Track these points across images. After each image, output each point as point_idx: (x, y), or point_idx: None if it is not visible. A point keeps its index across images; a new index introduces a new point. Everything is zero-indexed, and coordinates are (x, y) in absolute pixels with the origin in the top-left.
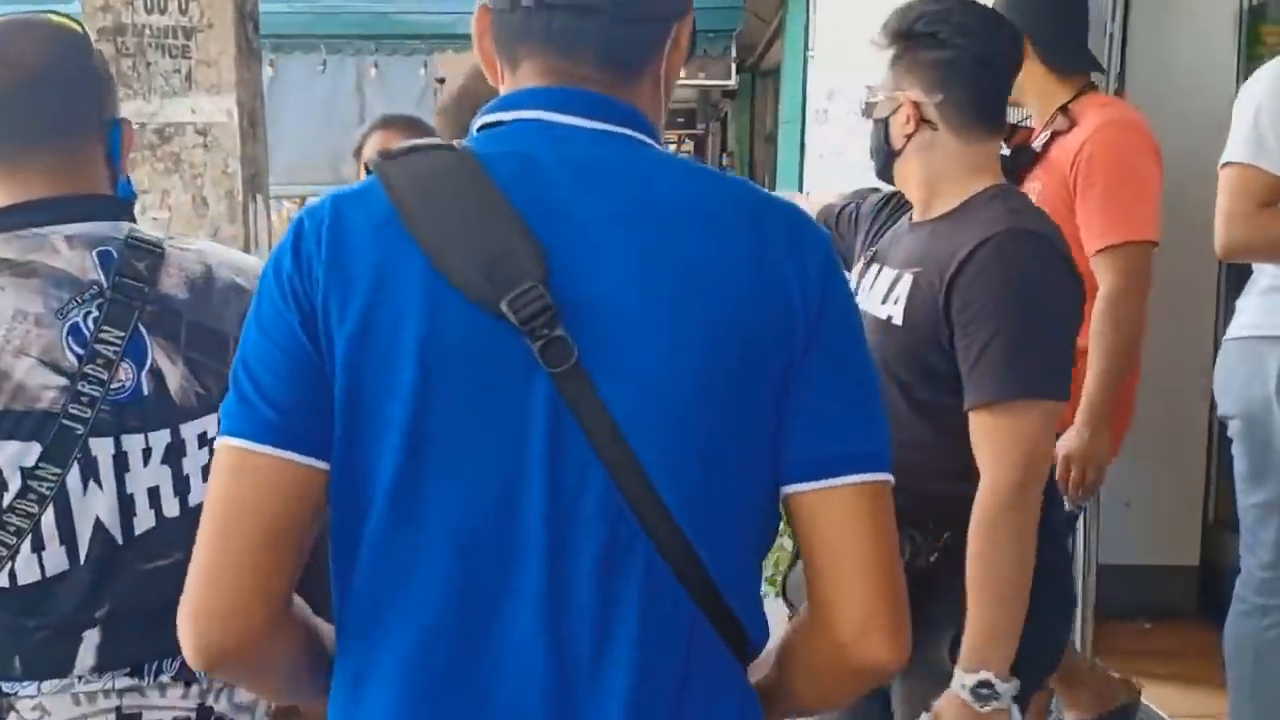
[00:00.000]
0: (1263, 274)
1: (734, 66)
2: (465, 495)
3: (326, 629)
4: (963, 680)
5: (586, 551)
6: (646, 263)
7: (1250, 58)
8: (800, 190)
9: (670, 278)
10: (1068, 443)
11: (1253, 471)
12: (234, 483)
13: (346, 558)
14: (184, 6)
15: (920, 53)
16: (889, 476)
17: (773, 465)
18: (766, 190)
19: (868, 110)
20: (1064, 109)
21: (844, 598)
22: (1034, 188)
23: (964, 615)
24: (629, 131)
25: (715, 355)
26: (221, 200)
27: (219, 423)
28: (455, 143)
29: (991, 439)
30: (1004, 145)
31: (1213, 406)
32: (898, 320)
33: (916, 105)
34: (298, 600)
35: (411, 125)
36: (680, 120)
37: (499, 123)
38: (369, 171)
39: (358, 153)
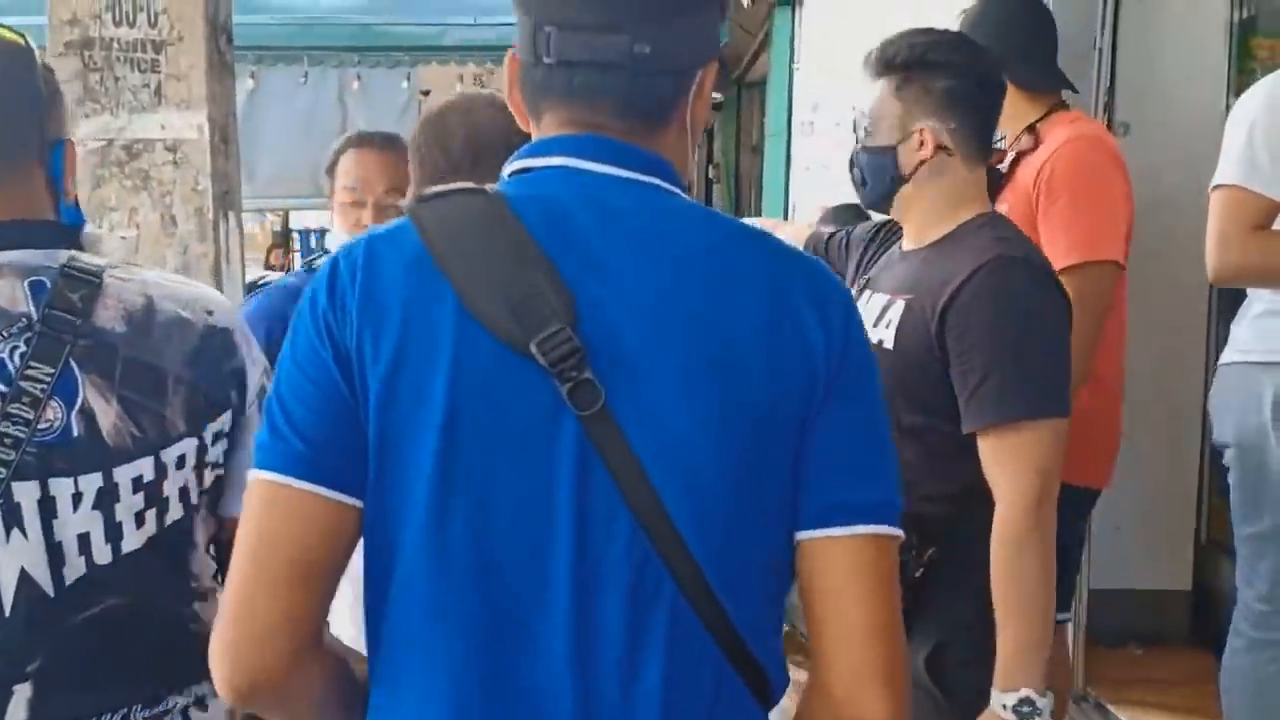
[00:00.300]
0: (1257, 299)
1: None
2: (492, 536)
3: (359, 660)
4: (1003, 701)
5: (613, 595)
6: (672, 310)
7: (1241, 71)
8: (786, 204)
9: (695, 326)
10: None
11: (1249, 501)
12: (266, 516)
13: (378, 597)
14: (154, 19)
15: (932, 81)
16: (898, 531)
17: (791, 511)
18: (788, 245)
19: (868, 137)
20: (1031, 128)
21: (841, 651)
22: (1001, 209)
23: (946, 628)
24: (655, 180)
25: (738, 402)
26: (191, 218)
27: (255, 456)
28: (487, 187)
29: (1004, 461)
30: None
31: (1205, 428)
32: (889, 344)
33: (934, 132)
34: (329, 632)
35: (388, 144)
36: None
37: (529, 169)
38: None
39: (331, 170)
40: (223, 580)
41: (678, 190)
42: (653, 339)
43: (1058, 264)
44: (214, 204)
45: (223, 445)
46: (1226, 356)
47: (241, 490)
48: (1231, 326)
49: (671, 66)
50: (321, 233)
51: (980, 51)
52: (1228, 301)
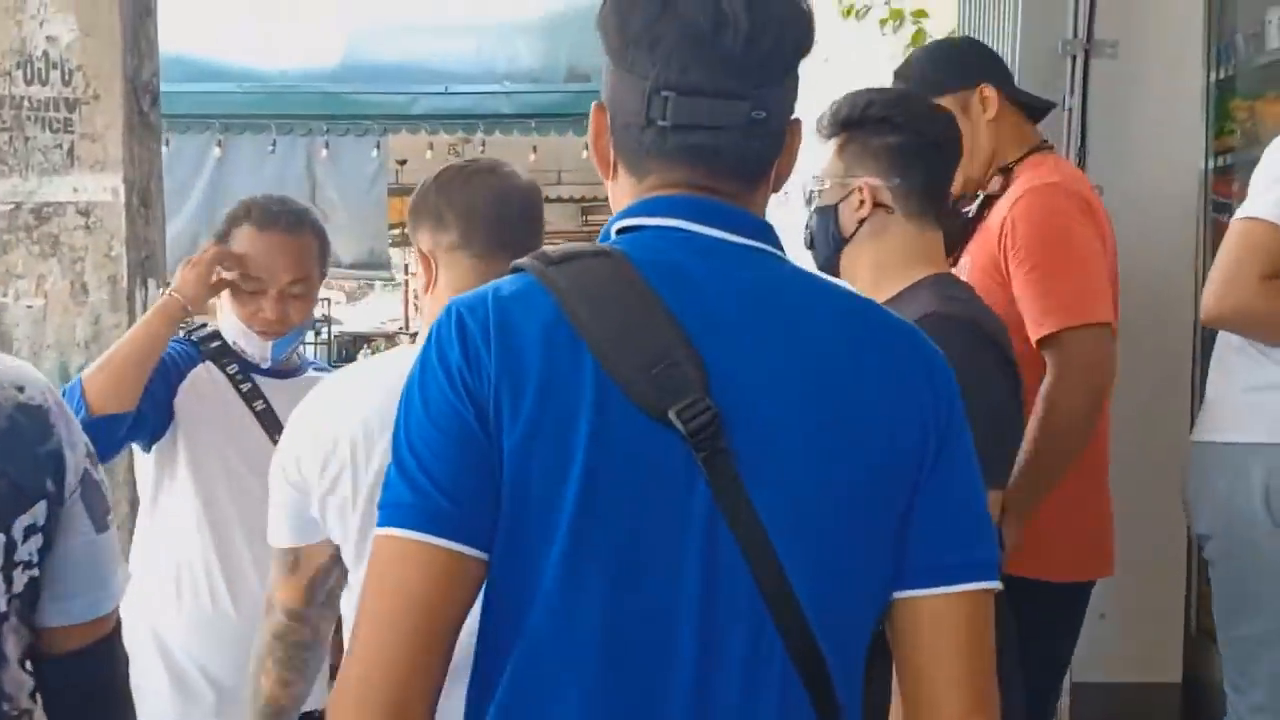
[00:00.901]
0: (1235, 372)
1: None
2: (622, 601)
3: None
4: None
5: (733, 661)
6: (795, 378)
7: (1220, 133)
8: None
9: (817, 393)
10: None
11: (1239, 599)
12: (409, 577)
13: (498, 653)
14: (67, 77)
15: (873, 138)
16: (997, 584)
17: (892, 576)
18: (893, 313)
19: (811, 199)
20: (1005, 169)
21: (940, 702)
22: (964, 263)
23: None
24: (764, 246)
25: (860, 469)
26: (104, 286)
27: (384, 514)
28: (608, 247)
29: None
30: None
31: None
32: None
33: (872, 189)
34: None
35: (296, 225)
36: None
37: (639, 227)
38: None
39: (222, 240)
40: (39, 700)
41: (781, 253)
42: (778, 406)
43: (1035, 334)
44: (130, 271)
45: (36, 541)
46: (1202, 434)
47: (66, 597)
48: (1204, 403)
49: (777, 128)
50: None
51: (929, 108)
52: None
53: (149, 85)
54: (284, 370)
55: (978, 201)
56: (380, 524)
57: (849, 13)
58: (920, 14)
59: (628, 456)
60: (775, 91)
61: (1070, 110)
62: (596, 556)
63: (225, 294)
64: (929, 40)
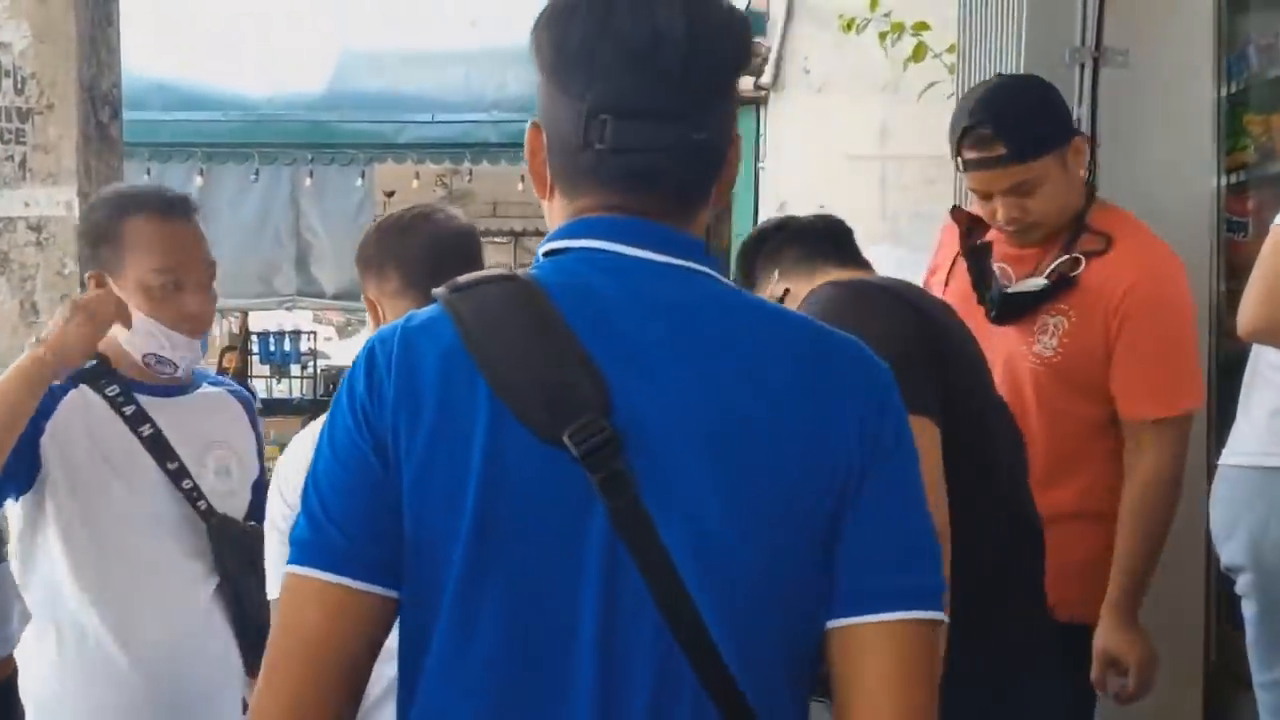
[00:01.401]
0: (1267, 388)
1: None
2: (520, 626)
3: None
4: None
5: (637, 688)
6: (706, 401)
7: (1233, 149)
8: None
9: (728, 416)
10: (1109, 646)
11: (1275, 638)
12: (307, 615)
13: (410, 679)
14: (20, 85)
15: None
16: (939, 615)
17: (821, 602)
18: (832, 328)
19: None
20: (1083, 224)
21: None
22: (1056, 322)
23: None
24: (691, 264)
25: (768, 493)
26: (55, 305)
27: (292, 552)
28: (520, 272)
29: None
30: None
31: (1209, 540)
32: None
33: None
34: None
35: (192, 209)
36: None
37: (565, 249)
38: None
39: (103, 240)
40: None
41: (713, 272)
42: (686, 430)
43: (1146, 412)
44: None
45: None
46: (1234, 458)
47: None
48: (1236, 424)
49: (718, 147)
50: (282, 335)
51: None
52: (1228, 399)
53: (109, 96)
54: (173, 386)
55: (1062, 259)
56: (287, 561)
57: (849, 27)
58: (921, 26)
59: (523, 481)
60: (714, 110)
61: (1078, 122)
62: (492, 585)
63: (140, 299)
64: (930, 55)
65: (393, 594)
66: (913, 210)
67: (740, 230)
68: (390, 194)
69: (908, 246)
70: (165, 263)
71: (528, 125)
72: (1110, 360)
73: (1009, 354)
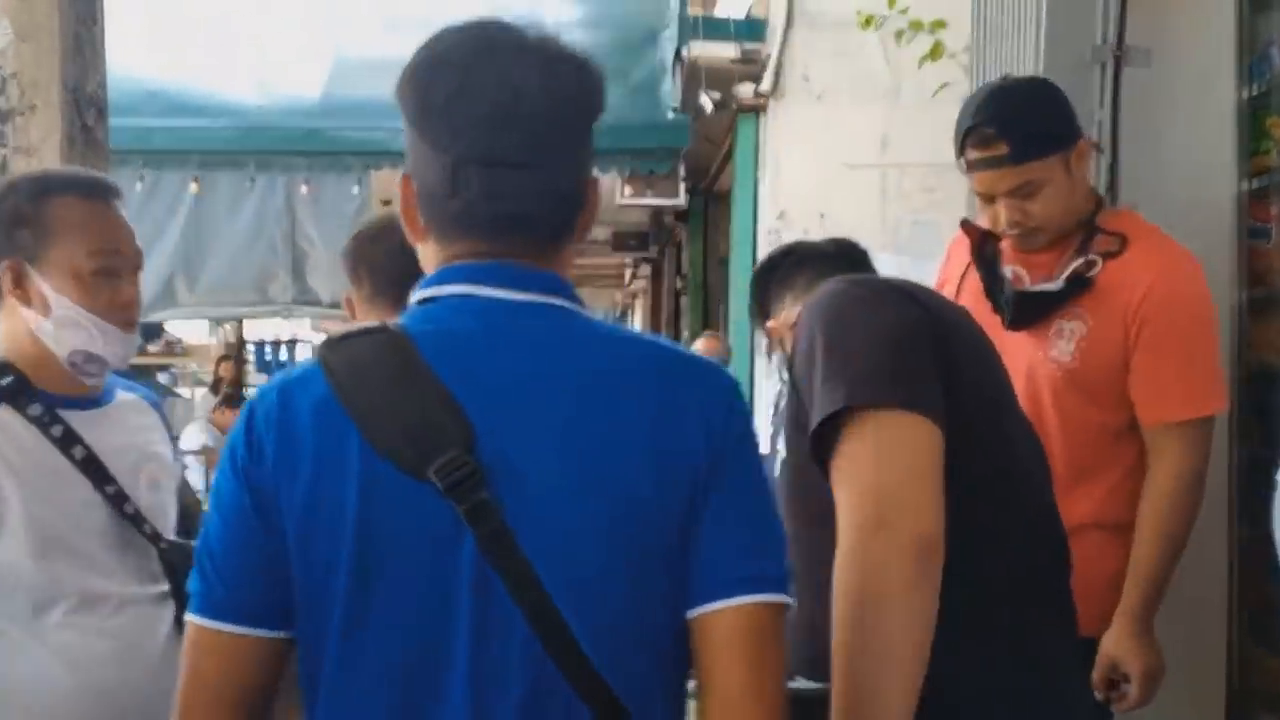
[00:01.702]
0: None
1: (683, 185)
2: (400, 650)
3: None
4: None
5: (510, 700)
6: (563, 429)
7: (1256, 152)
8: None
9: (584, 442)
10: (1115, 653)
11: None
12: (198, 657)
13: (310, 710)
14: (0, 86)
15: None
16: (786, 598)
17: (681, 597)
18: (681, 349)
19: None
20: (1094, 226)
21: (732, 712)
22: (1073, 327)
23: None
24: (553, 300)
25: (624, 509)
26: None
27: (188, 602)
28: (389, 324)
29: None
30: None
31: (1231, 558)
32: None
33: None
34: None
35: (115, 192)
36: (632, 243)
37: (435, 298)
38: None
39: (19, 226)
40: None
41: (573, 305)
42: (548, 457)
43: (1172, 415)
44: None
45: None
46: None
47: None
48: None
49: (577, 191)
50: (277, 344)
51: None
52: (1250, 409)
53: (94, 97)
54: (93, 396)
55: (1076, 262)
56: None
57: (867, 23)
58: (938, 24)
59: (396, 519)
60: (572, 157)
61: (1100, 123)
62: (374, 619)
63: (71, 286)
64: (947, 54)
65: (280, 635)
66: (913, 219)
67: (739, 240)
68: (387, 202)
69: (909, 255)
70: (100, 245)
71: (401, 178)
72: (1129, 365)
73: (1028, 362)
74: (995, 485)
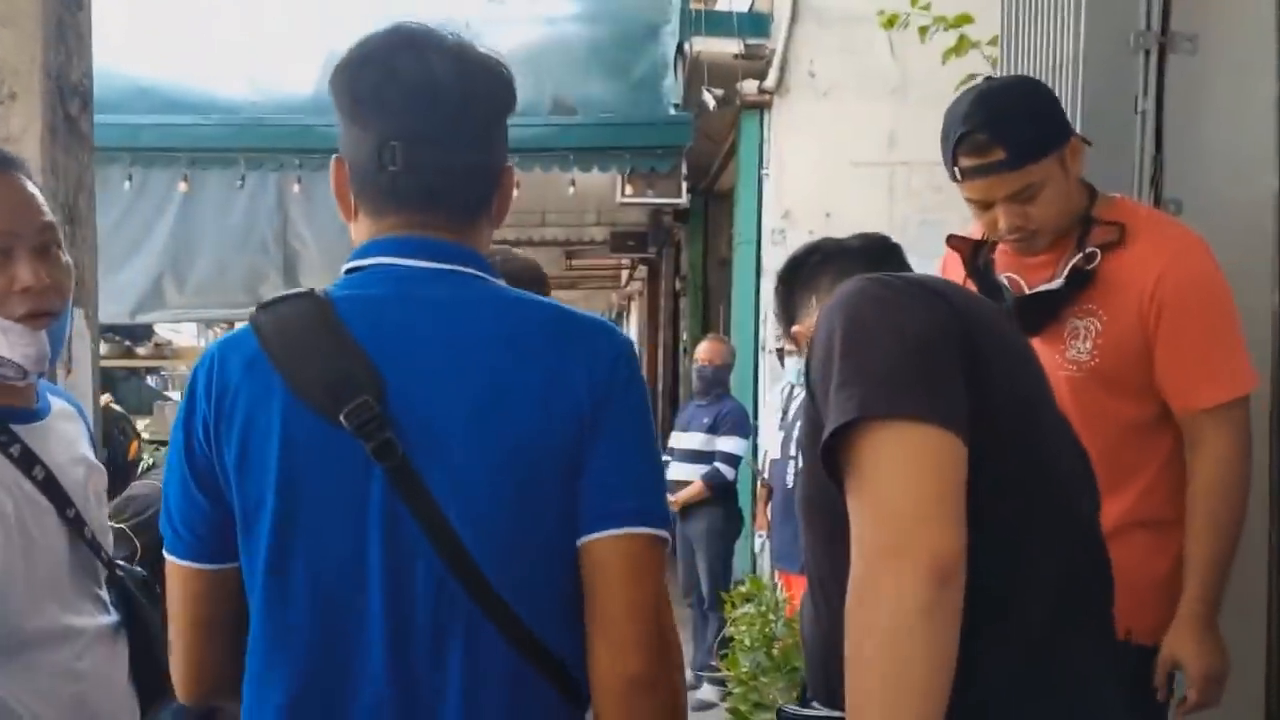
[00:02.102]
0: None
1: (684, 184)
2: (322, 573)
3: None
4: None
5: (420, 614)
6: (464, 380)
7: None
8: (757, 315)
9: (482, 391)
10: (1177, 653)
11: None
12: (174, 589)
13: (252, 630)
14: None
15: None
16: (662, 533)
17: (570, 526)
18: (578, 311)
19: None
20: (1089, 219)
21: (611, 629)
22: (1087, 325)
23: None
24: (465, 268)
25: (511, 443)
26: None
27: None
28: (314, 289)
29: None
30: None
31: (1272, 562)
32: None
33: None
34: None
35: (18, 165)
36: (630, 243)
37: (360, 268)
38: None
39: None
40: None
41: (483, 274)
42: (450, 405)
43: (1203, 401)
44: None
45: None
46: None
47: None
48: None
49: (492, 172)
50: None
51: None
52: None
53: (79, 87)
54: (30, 408)
55: (1075, 258)
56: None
57: (890, 23)
58: (963, 19)
59: (315, 459)
60: (485, 140)
61: (1144, 114)
62: (296, 549)
63: None
64: (972, 47)
65: (225, 566)
66: (921, 217)
67: (744, 239)
68: None
69: (916, 254)
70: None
71: (332, 160)
72: (1152, 355)
73: (1045, 368)
74: (1025, 485)
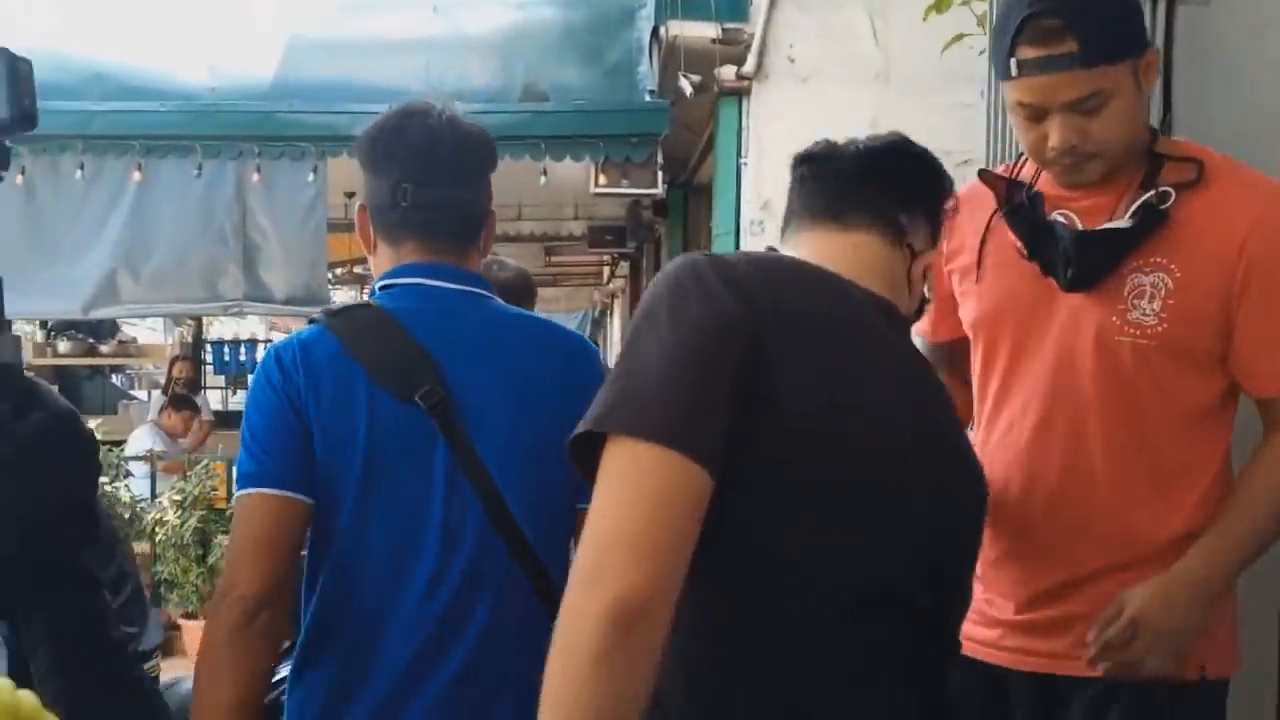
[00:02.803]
0: None
1: (660, 174)
2: (394, 518)
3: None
4: None
5: (464, 555)
6: (500, 372)
7: None
8: None
9: (514, 379)
10: (1141, 603)
11: None
12: (251, 517)
13: (316, 564)
14: None
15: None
16: None
17: (577, 493)
18: (561, 326)
19: None
20: (1158, 154)
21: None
22: (1154, 280)
23: None
24: (475, 289)
25: (539, 427)
26: None
27: (238, 482)
28: (369, 300)
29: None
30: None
31: None
32: None
33: None
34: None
35: None
36: (609, 238)
37: (393, 285)
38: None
39: None
40: None
41: (489, 294)
42: (490, 391)
43: None
44: None
45: None
46: None
47: None
48: None
49: (481, 213)
50: (237, 344)
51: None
52: None
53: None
54: None
55: (1146, 195)
56: (237, 489)
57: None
58: None
59: (392, 429)
60: (476, 186)
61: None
62: (377, 497)
63: None
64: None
65: (304, 499)
66: None
67: (722, 231)
68: (350, 194)
69: None
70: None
71: (357, 208)
72: (1231, 322)
73: (1097, 332)
74: (803, 519)
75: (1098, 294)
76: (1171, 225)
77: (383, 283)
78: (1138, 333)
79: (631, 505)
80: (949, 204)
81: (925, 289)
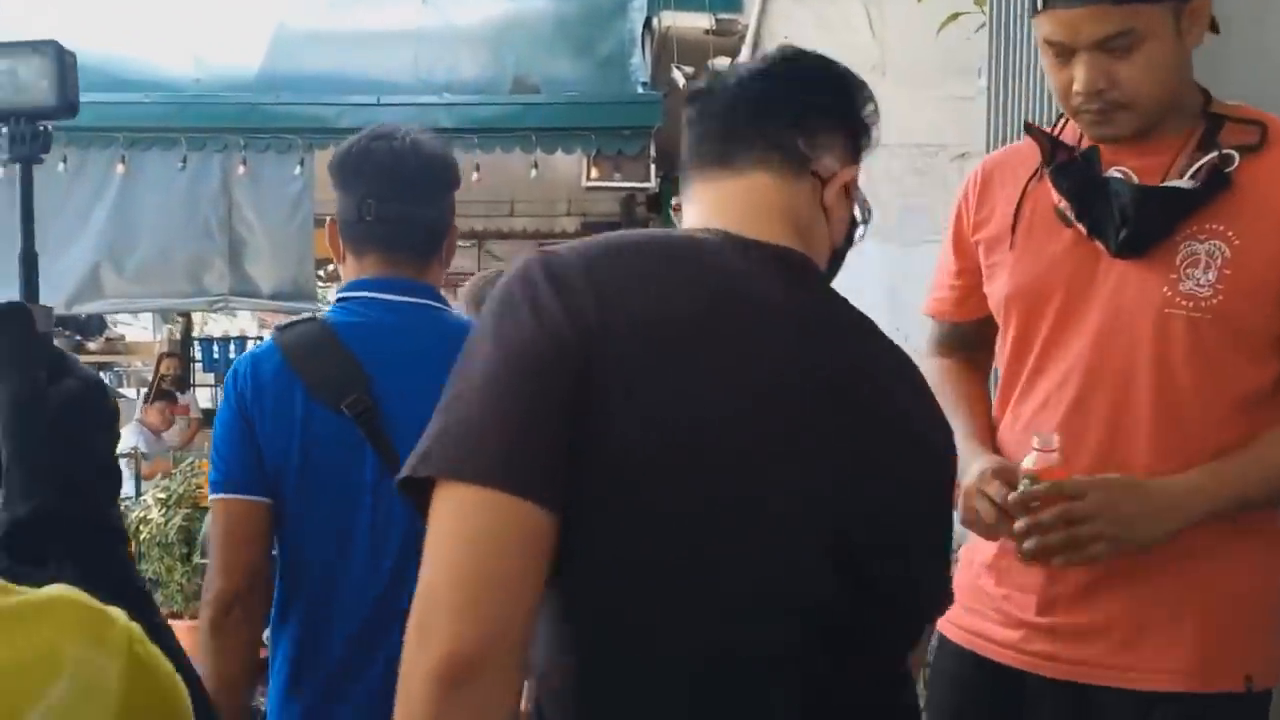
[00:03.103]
0: None
1: (654, 167)
2: (330, 515)
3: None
4: None
5: (393, 543)
6: (425, 380)
7: None
8: None
9: (435, 388)
10: (1113, 485)
11: None
12: (223, 520)
13: (281, 555)
14: None
15: None
16: None
17: None
18: None
19: None
20: (1216, 115)
21: None
22: (1210, 249)
23: None
24: (428, 302)
25: None
26: None
27: (209, 489)
28: (315, 315)
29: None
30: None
31: None
32: None
33: None
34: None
35: None
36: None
37: (349, 298)
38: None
39: None
40: None
41: (442, 306)
42: (416, 399)
43: None
44: None
45: None
46: None
47: None
48: None
49: (442, 224)
50: (227, 341)
51: None
52: None
53: None
54: None
55: (1208, 156)
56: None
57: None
58: None
59: (324, 437)
60: (438, 205)
61: None
62: (312, 499)
63: None
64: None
65: (265, 500)
66: (901, 203)
67: None
68: None
69: (896, 243)
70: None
71: (328, 222)
72: None
73: (1147, 302)
74: (638, 570)
75: (1147, 261)
76: (1233, 190)
77: (340, 295)
78: (1190, 305)
79: (456, 554)
80: (869, 106)
81: (857, 208)
